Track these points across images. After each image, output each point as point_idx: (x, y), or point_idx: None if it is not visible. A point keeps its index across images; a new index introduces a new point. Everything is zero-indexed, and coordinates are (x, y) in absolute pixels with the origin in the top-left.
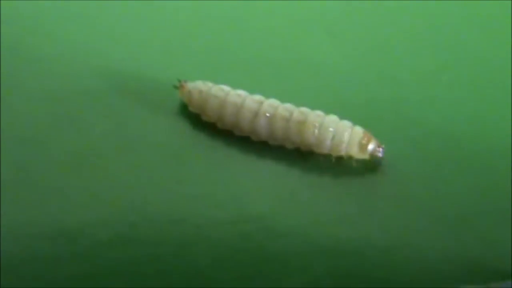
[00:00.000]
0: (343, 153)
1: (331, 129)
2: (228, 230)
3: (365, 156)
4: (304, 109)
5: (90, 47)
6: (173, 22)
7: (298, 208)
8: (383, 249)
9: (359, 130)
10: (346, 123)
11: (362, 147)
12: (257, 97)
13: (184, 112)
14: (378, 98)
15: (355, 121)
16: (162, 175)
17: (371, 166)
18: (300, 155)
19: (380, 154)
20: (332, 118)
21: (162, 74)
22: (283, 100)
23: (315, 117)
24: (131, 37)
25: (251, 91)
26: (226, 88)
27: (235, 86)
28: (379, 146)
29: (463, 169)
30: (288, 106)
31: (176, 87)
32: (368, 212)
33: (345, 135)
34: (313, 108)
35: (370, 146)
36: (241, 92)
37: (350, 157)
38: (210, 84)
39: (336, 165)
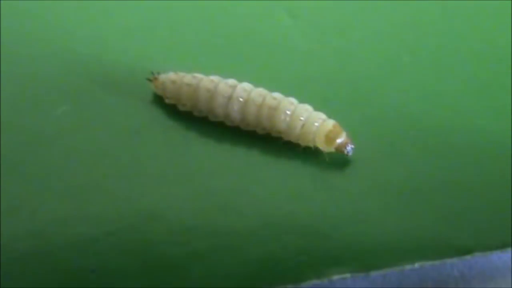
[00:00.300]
0: (310, 143)
1: (302, 118)
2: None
3: (331, 149)
4: (277, 95)
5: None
6: (143, 11)
7: (254, 185)
8: (337, 224)
9: (329, 123)
10: (319, 114)
11: (329, 140)
12: (231, 81)
13: (160, 104)
14: (338, 77)
15: (314, 100)
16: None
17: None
18: (269, 140)
19: (346, 151)
20: (305, 107)
21: (133, 66)
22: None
23: (287, 104)
24: (106, 28)
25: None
26: (199, 75)
27: (207, 73)
28: (348, 143)
29: (419, 146)
30: (261, 90)
31: (149, 80)
32: (324, 188)
33: (314, 126)
34: (274, 88)
35: (338, 141)
36: (214, 77)
37: (317, 148)
38: (182, 74)
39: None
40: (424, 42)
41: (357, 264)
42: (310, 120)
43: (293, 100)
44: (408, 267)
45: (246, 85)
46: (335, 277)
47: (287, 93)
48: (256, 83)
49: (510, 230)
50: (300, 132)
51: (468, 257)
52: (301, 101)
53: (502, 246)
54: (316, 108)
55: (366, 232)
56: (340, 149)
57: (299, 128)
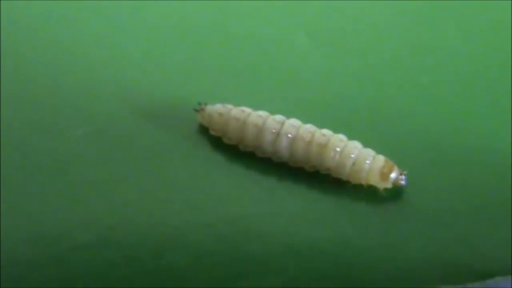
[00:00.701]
0: (362, 181)
1: (352, 155)
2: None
3: (387, 185)
4: (326, 131)
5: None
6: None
7: (277, 211)
8: (359, 248)
9: (380, 159)
10: (369, 151)
11: (384, 176)
12: (278, 117)
13: (205, 136)
14: (357, 99)
15: (333, 122)
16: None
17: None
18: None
19: (403, 182)
20: (355, 144)
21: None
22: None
23: (337, 141)
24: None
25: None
26: (247, 109)
27: (253, 104)
28: (401, 174)
29: (440, 169)
30: (310, 126)
31: (196, 110)
32: (345, 212)
33: (366, 163)
34: (293, 111)
35: (392, 175)
36: (262, 112)
37: (370, 185)
38: (230, 106)
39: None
40: (443, 63)
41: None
42: (361, 158)
43: (342, 137)
44: None
45: (294, 121)
46: None
47: (306, 116)
48: (277, 107)
49: None
50: (351, 170)
51: (490, 281)
52: (321, 123)
53: None
54: (336, 131)
55: (387, 258)
56: (396, 183)
57: (350, 166)
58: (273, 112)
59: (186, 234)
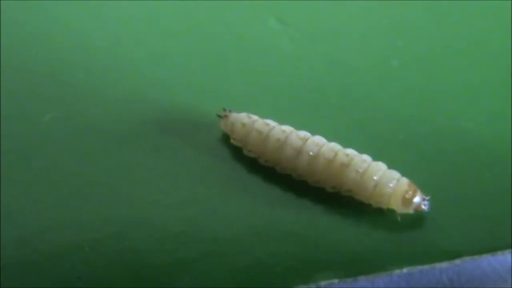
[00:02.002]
0: (383, 205)
1: (375, 177)
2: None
3: (409, 211)
4: (350, 151)
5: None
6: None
7: (241, 192)
8: (325, 229)
9: (403, 182)
10: (393, 173)
11: (406, 201)
12: (302, 134)
13: (226, 144)
14: (327, 83)
15: (303, 105)
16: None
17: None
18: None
19: (425, 208)
20: (379, 166)
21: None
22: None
23: (360, 161)
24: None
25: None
26: (271, 123)
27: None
28: (424, 199)
29: (408, 150)
30: (334, 145)
31: (219, 116)
32: (311, 195)
33: (389, 187)
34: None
35: (415, 200)
36: (286, 127)
37: (391, 210)
38: (254, 118)
39: None
40: (413, 46)
41: (345, 270)
42: (384, 180)
43: (366, 157)
44: (396, 272)
45: (318, 139)
46: (322, 282)
47: (276, 99)
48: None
49: (500, 234)
50: (373, 192)
51: (457, 261)
52: (291, 108)
53: (492, 250)
54: (307, 114)
55: (353, 238)
56: (418, 209)
57: (371, 189)
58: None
59: (150, 216)
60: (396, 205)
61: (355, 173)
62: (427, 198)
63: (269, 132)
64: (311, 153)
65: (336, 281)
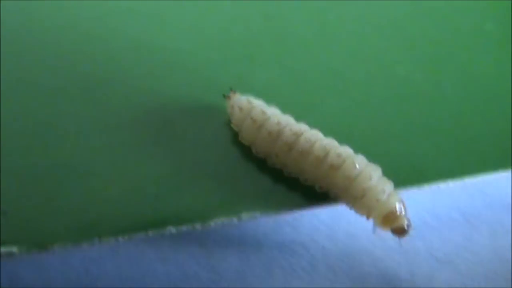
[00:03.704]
0: (365, 214)
1: (364, 186)
2: None
3: (386, 229)
4: (344, 151)
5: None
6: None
7: None
8: (245, 170)
9: (393, 202)
10: (385, 185)
11: (387, 221)
12: (298, 127)
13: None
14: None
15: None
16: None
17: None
18: None
19: (404, 235)
20: (372, 172)
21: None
22: None
23: (351, 166)
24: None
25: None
26: (269, 112)
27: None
28: (408, 226)
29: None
30: (328, 142)
31: (224, 96)
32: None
33: (375, 200)
34: None
35: (397, 224)
36: (283, 119)
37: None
38: (255, 103)
39: None
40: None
41: (267, 205)
42: (372, 193)
43: (361, 159)
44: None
45: (312, 134)
46: (244, 215)
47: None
48: None
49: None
50: (359, 201)
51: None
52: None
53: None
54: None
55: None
56: (397, 232)
57: (359, 198)
58: None
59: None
60: (378, 220)
61: (344, 179)
62: (411, 225)
63: (263, 122)
64: (301, 150)
65: (258, 213)
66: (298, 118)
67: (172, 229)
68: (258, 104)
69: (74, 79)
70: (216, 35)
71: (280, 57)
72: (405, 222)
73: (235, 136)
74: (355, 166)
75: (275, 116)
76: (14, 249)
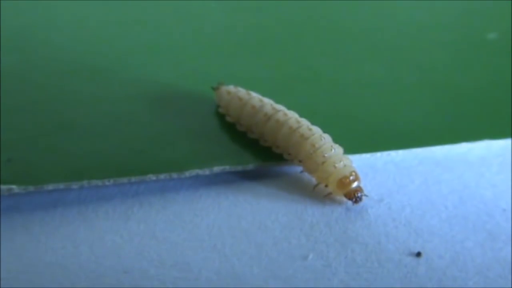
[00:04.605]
0: (323, 182)
1: (325, 155)
2: None
3: (341, 194)
4: (316, 129)
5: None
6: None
7: None
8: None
9: (347, 169)
10: (344, 159)
11: (342, 184)
12: (278, 106)
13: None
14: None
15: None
16: None
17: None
18: None
19: (356, 200)
20: (335, 147)
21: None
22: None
23: (318, 138)
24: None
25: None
26: (253, 93)
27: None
28: (359, 192)
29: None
30: (303, 120)
31: (213, 88)
32: None
33: (333, 167)
34: None
35: (351, 186)
36: (266, 99)
37: (326, 186)
38: (240, 89)
39: None
40: None
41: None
42: (331, 160)
43: (327, 137)
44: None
45: (290, 112)
46: (216, 168)
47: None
48: None
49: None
50: (319, 168)
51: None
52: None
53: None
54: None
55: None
56: (348, 196)
57: (319, 164)
58: None
59: None
60: (332, 185)
61: (310, 147)
62: (364, 194)
63: (248, 100)
64: (278, 121)
65: (227, 167)
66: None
67: (152, 177)
68: (244, 90)
69: (82, 64)
70: (206, 35)
71: (259, 55)
72: (357, 187)
73: (221, 119)
74: (321, 138)
75: (258, 96)
76: (14, 187)
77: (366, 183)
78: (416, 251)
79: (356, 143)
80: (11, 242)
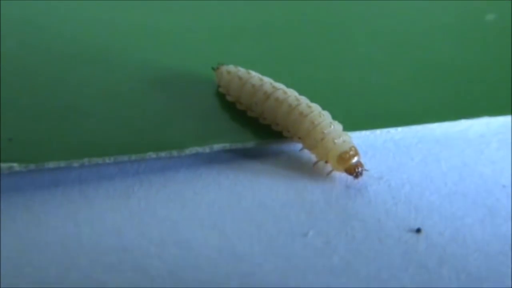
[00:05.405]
0: (323, 158)
1: (324, 131)
2: None
3: (341, 170)
4: (315, 106)
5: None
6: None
7: None
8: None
9: (347, 144)
10: (343, 135)
11: (341, 160)
12: (277, 84)
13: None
14: None
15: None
16: None
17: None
18: None
19: (357, 175)
20: (335, 125)
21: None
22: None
23: (317, 115)
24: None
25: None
26: (253, 73)
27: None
28: (360, 167)
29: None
30: (303, 98)
31: (213, 69)
32: None
33: (332, 143)
34: None
35: (351, 161)
36: (266, 78)
37: (326, 163)
38: (240, 68)
39: None
40: None
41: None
42: (331, 136)
43: (326, 114)
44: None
45: (289, 90)
46: (216, 146)
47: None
48: None
49: None
50: (318, 144)
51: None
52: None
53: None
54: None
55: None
56: (349, 171)
57: (318, 140)
58: None
59: None
60: (332, 161)
61: (310, 124)
62: (364, 169)
63: (248, 79)
64: (277, 99)
65: (227, 145)
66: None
67: (152, 155)
68: (244, 69)
69: (84, 46)
70: (207, 20)
71: (259, 37)
72: (357, 162)
73: (221, 99)
74: (320, 115)
75: (258, 75)
76: (15, 165)
77: (365, 161)
78: (416, 227)
79: (355, 120)
80: (12, 222)
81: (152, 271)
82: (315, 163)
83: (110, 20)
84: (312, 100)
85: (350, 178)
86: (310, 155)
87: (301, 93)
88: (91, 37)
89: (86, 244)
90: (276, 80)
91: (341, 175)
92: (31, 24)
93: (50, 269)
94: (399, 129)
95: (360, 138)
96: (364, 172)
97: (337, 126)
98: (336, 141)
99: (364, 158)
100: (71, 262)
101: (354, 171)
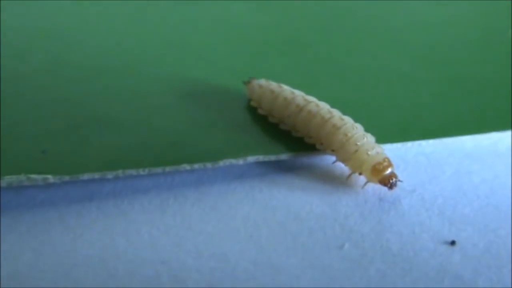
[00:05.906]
0: (357, 170)
1: (358, 143)
2: None
3: (375, 181)
4: (347, 119)
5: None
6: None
7: None
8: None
9: (381, 156)
10: (376, 146)
11: (376, 171)
12: (309, 97)
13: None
14: None
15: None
16: None
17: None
18: None
19: (391, 186)
20: (367, 137)
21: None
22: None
23: (350, 127)
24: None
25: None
26: (285, 86)
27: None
28: (394, 178)
29: None
30: (334, 111)
31: (245, 83)
32: None
33: (366, 154)
34: None
35: (384, 173)
36: (297, 91)
37: (362, 176)
38: (271, 82)
39: None
40: None
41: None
42: (364, 148)
43: (359, 127)
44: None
45: (321, 103)
46: (250, 158)
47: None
48: None
49: None
50: (352, 156)
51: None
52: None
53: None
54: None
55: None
56: (383, 182)
57: (352, 153)
58: None
59: None
60: (367, 172)
61: (343, 136)
62: (398, 179)
63: (280, 92)
64: (310, 112)
65: (261, 157)
66: None
67: (186, 166)
68: (275, 83)
69: (117, 61)
70: (235, 33)
71: (288, 52)
72: (391, 172)
73: (252, 112)
74: (354, 128)
75: (289, 88)
76: (49, 176)
77: (398, 174)
78: (450, 240)
79: (386, 133)
80: (47, 235)
81: (190, 283)
82: (349, 175)
83: (145, 34)
84: (343, 113)
85: (383, 191)
86: (343, 168)
87: (332, 106)
88: (125, 50)
89: (123, 257)
90: (306, 93)
91: (374, 188)
92: (64, 38)
93: (87, 282)
94: (430, 141)
95: (391, 151)
96: (398, 183)
97: (370, 138)
98: (369, 152)
99: (396, 171)
100: (109, 275)
101: (389, 181)
